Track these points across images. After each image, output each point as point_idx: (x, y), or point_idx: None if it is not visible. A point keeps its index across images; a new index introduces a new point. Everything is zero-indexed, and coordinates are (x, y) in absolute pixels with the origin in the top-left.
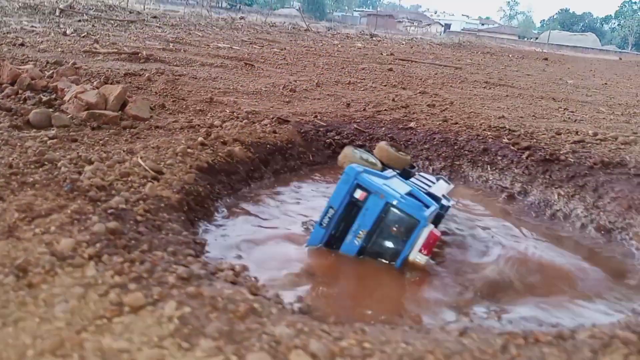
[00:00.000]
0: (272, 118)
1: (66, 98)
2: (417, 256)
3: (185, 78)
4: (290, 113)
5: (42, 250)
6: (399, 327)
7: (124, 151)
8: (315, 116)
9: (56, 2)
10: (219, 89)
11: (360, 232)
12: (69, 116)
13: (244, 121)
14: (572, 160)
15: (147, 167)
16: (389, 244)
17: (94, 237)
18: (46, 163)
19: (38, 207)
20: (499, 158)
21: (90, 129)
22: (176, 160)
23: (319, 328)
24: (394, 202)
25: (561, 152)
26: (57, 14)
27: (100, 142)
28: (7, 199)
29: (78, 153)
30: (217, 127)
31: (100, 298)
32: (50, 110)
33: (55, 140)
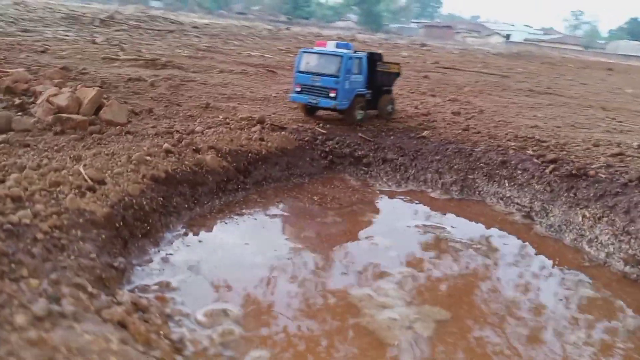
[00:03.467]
0: (266, 124)
1: (38, 101)
2: None
3: (194, 84)
4: (291, 119)
5: None
6: None
7: (70, 157)
8: (318, 123)
9: (99, 12)
10: (225, 94)
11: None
12: (34, 120)
13: (230, 127)
14: (602, 176)
15: (86, 176)
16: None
17: None
18: None
19: None
20: (519, 172)
21: (53, 133)
22: (127, 169)
23: None
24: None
25: (592, 167)
26: (97, 24)
27: (55, 147)
28: None
29: (15, 160)
30: (198, 133)
31: None
32: (20, 113)
33: (2, 145)
